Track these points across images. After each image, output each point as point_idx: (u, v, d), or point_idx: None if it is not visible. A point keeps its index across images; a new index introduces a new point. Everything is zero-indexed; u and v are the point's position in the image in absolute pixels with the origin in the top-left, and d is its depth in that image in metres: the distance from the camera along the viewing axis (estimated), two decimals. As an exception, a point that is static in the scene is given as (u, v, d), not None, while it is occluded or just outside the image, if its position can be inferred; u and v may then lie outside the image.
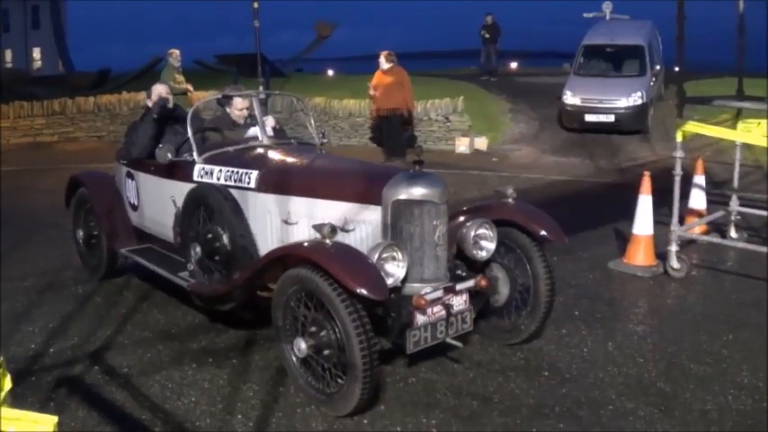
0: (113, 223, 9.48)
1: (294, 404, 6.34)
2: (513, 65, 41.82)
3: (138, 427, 6.09)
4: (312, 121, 9.28)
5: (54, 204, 13.06)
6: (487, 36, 31.80)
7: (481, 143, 21.00)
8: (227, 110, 8.97)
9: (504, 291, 7.29)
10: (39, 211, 14.04)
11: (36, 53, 78.57)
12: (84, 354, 7.49)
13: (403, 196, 6.35)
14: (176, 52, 21.27)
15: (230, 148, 8.23)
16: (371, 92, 18.95)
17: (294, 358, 6.37)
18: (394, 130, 19.11)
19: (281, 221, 7.27)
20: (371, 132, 21.02)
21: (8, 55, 75.51)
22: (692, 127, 9.74)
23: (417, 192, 6.35)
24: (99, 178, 10.05)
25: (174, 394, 6.56)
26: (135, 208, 9.38)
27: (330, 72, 36.35)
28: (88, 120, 24.47)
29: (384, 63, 19.03)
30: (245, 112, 8.93)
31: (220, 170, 7.84)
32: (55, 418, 2.87)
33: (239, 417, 6.17)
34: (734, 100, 10.37)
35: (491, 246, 7.01)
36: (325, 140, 9.26)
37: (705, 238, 10.66)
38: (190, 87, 21.28)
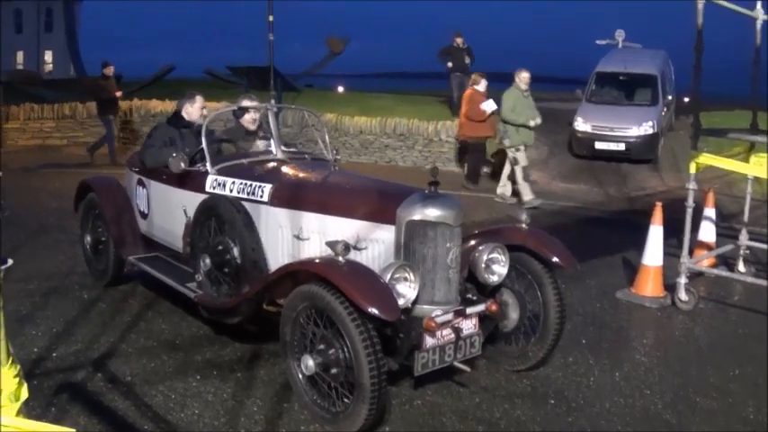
0: (122, 230, 9.45)
1: (298, 421, 6.29)
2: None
3: (139, 437, 6.06)
4: (326, 137, 9.23)
5: (61, 207, 13.08)
6: (467, 62, 25.32)
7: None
8: (240, 120, 8.98)
9: (513, 316, 7.25)
10: (46, 213, 14.04)
11: (48, 56, 78.64)
12: (87, 360, 7.46)
13: (417, 217, 6.31)
14: (526, 75, 16.76)
15: (244, 161, 8.22)
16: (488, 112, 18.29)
17: (301, 375, 6.32)
18: (479, 158, 19.39)
19: (292, 236, 7.25)
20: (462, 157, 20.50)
21: (20, 57, 75.62)
22: (706, 159, 9.70)
23: (432, 213, 6.31)
24: (109, 184, 9.99)
25: (177, 405, 6.52)
26: (144, 216, 9.36)
27: (340, 88, 36.33)
28: (98, 125, 24.45)
29: (483, 85, 18.69)
30: (255, 116, 8.96)
31: (233, 182, 7.82)
32: (72, 431, 2.83)
33: (242, 431, 6.12)
34: (748, 133, 10.34)
35: (503, 270, 6.97)
36: (338, 157, 9.25)
37: (714, 270, 10.60)
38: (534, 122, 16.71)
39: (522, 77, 16.74)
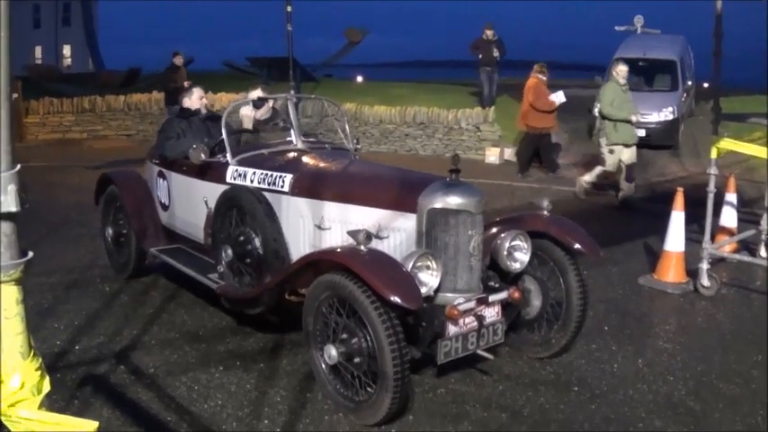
0: (143, 222, 9.48)
1: (321, 411, 6.30)
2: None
3: (163, 428, 6.04)
4: (347, 127, 9.21)
5: (81, 201, 13.10)
6: (495, 55, 23.99)
7: (511, 153, 20.91)
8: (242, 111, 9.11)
9: (535, 303, 7.23)
10: (66, 207, 14.09)
11: (66, 50, 78.86)
12: (109, 352, 7.48)
13: (439, 205, 6.30)
14: (624, 69, 15.69)
15: (264, 151, 8.23)
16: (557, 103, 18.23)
17: (324, 365, 6.32)
18: (550, 147, 19.30)
19: (313, 226, 7.25)
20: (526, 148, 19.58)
21: (38, 51, 75.88)
22: (727, 144, 9.65)
23: (453, 201, 6.29)
24: (129, 177, 10.03)
25: (200, 397, 6.53)
26: (165, 207, 9.38)
27: (359, 78, 36.35)
28: (118, 118, 24.62)
29: (544, 75, 18.60)
30: (251, 113, 9.02)
31: (254, 173, 7.83)
32: (96, 424, 2.83)
33: (266, 422, 6.12)
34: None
35: (525, 258, 6.94)
36: (359, 146, 9.24)
37: (735, 256, 10.56)
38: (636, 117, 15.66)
39: (620, 71, 15.67)
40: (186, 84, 20.51)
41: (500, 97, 25.41)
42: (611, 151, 15.36)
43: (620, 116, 15.13)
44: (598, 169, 15.84)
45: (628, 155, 15.43)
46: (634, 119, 15.29)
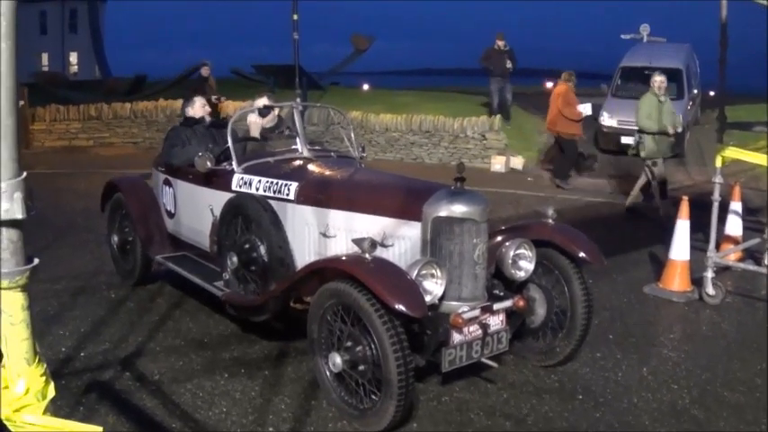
0: (149, 229, 9.49)
1: (326, 418, 6.30)
2: (549, 84, 41.65)
3: (168, 435, 6.06)
4: (352, 135, 9.21)
5: (88, 208, 13.12)
6: (508, 66, 23.54)
7: (517, 162, 20.95)
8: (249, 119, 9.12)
9: (540, 312, 7.24)
10: (73, 213, 14.09)
11: (73, 57, 78.88)
12: (115, 359, 7.48)
13: (444, 213, 6.31)
14: (659, 79, 15.27)
15: (270, 159, 8.23)
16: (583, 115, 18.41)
17: (328, 372, 6.33)
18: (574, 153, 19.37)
19: (319, 234, 7.26)
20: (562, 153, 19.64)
21: (44, 58, 75.91)
22: (732, 152, 9.65)
23: (458, 209, 6.30)
24: (135, 184, 10.04)
25: (205, 404, 6.53)
26: (171, 215, 9.39)
27: (366, 86, 36.31)
28: (124, 125, 24.59)
29: (573, 83, 18.73)
30: (260, 121, 9.11)
31: (260, 180, 7.84)
32: (99, 429, 2.84)
33: (270, 429, 6.13)
34: (772, 126, 10.31)
35: (530, 266, 6.95)
36: (364, 154, 9.24)
37: (740, 264, 10.54)
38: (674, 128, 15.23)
39: (657, 82, 15.26)
40: (215, 98, 20.26)
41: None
42: (655, 164, 15.09)
43: (655, 128, 14.87)
44: (653, 185, 15.46)
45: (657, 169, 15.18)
46: (671, 130, 14.98)
